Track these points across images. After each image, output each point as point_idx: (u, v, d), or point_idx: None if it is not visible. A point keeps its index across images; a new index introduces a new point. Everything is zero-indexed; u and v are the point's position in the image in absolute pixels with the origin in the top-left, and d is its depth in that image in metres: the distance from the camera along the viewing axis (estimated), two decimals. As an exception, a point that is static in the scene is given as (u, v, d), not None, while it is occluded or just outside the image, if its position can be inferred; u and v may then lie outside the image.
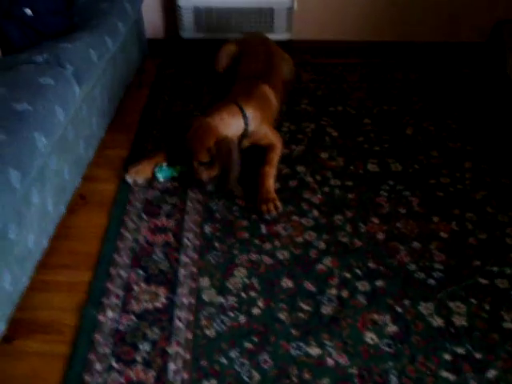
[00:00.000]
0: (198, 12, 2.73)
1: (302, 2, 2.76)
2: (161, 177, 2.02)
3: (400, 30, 2.88)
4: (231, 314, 1.55)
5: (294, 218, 1.89)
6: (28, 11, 1.96)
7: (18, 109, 1.53)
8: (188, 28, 2.79)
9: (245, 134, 2.03)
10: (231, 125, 1.97)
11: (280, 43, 2.64)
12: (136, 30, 2.63)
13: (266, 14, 2.72)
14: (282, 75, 2.41)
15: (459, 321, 1.54)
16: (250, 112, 2.03)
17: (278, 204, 1.89)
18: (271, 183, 1.96)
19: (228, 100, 2.07)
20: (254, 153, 2.11)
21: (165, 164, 2.04)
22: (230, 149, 1.89)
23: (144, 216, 1.89)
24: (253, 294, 1.62)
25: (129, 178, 2.02)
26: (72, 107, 1.77)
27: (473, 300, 1.59)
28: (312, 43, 2.89)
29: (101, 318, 1.53)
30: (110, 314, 1.54)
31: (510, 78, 2.52)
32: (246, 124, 2.01)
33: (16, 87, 1.62)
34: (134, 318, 1.54)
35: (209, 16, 2.74)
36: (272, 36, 2.76)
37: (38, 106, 1.58)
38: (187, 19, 2.75)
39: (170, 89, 2.66)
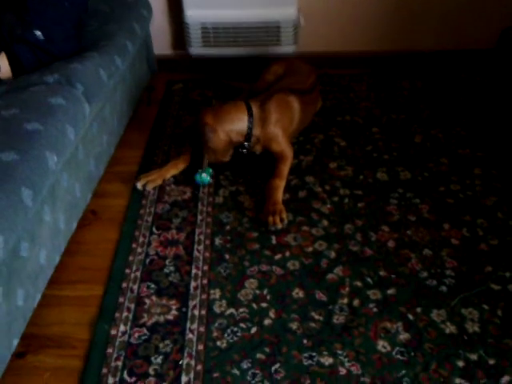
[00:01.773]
0: (205, 29, 2.76)
1: (307, 15, 2.79)
2: (206, 178, 2.08)
3: (406, 40, 2.89)
4: (243, 326, 1.56)
5: (304, 228, 1.90)
6: (39, 33, 1.99)
7: (29, 128, 1.56)
8: (195, 44, 2.82)
9: (250, 133, 2.06)
10: (230, 118, 2.03)
11: (286, 55, 2.68)
12: (144, 48, 2.68)
13: (273, 29, 2.75)
14: (314, 107, 2.46)
15: (472, 327, 1.52)
16: (256, 111, 2.07)
17: (284, 216, 1.90)
18: (279, 195, 1.97)
19: (239, 98, 2.11)
20: (265, 164, 2.14)
21: (200, 170, 2.08)
22: (205, 135, 1.98)
23: (155, 230, 1.90)
24: (264, 304, 1.62)
25: (139, 185, 2.07)
26: (82, 126, 1.80)
27: (485, 306, 1.58)
28: (319, 55, 2.91)
29: (113, 331, 1.55)
30: (122, 327, 1.56)
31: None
32: (251, 123, 2.04)
33: (27, 107, 1.65)
34: (145, 331, 1.55)
35: (216, 32, 2.77)
36: (279, 49, 2.80)
37: (48, 125, 1.60)
38: (195, 36, 2.78)
39: (178, 104, 2.69)
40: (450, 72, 2.88)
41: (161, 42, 2.93)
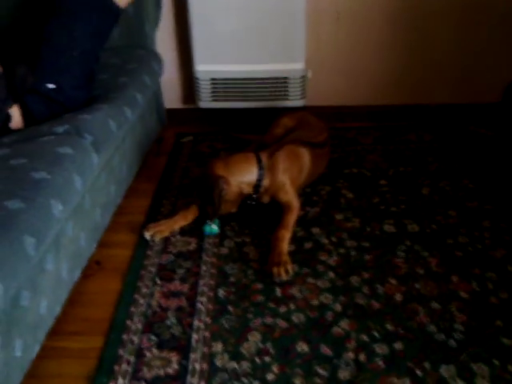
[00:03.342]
0: (214, 83, 2.83)
1: (315, 69, 2.85)
2: (215, 229, 2.10)
3: (412, 93, 2.93)
4: (245, 380, 1.51)
5: (310, 280, 1.87)
6: (51, 86, 2.04)
7: (36, 177, 1.56)
8: (205, 98, 2.88)
9: (259, 185, 2.06)
10: (241, 170, 2.05)
11: (294, 109, 2.72)
12: (155, 101, 2.73)
13: (281, 83, 2.81)
14: (324, 161, 2.45)
15: (482, 383, 1.47)
16: (266, 162, 2.07)
17: (289, 268, 1.88)
18: (285, 246, 1.95)
19: (249, 149, 2.12)
20: (272, 214, 2.13)
21: (208, 221, 2.10)
22: (219, 187, 1.97)
23: (158, 281, 1.88)
24: (267, 359, 1.57)
25: (147, 235, 2.07)
26: (90, 176, 1.81)
27: (496, 361, 1.52)
28: (326, 109, 2.95)
29: (111, 385, 1.51)
30: (120, 381, 1.51)
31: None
32: (261, 175, 2.05)
33: (35, 157, 1.66)
34: (144, 385, 1.51)
35: (225, 86, 2.84)
36: (287, 103, 2.84)
37: (55, 174, 1.61)
38: (204, 90, 2.85)
39: (187, 156, 2.72)
40: (457, 125, 2.90)
41: (171, 95, 3.00)
